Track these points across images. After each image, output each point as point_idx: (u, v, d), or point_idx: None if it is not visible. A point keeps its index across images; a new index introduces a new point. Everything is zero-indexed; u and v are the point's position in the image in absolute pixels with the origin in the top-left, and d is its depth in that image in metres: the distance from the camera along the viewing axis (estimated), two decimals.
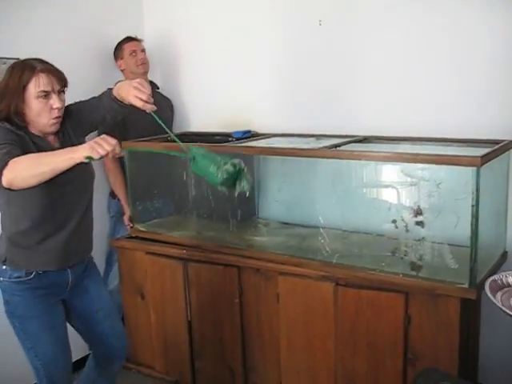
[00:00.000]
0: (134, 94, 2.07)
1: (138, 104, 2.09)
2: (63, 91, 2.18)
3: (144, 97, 2.08)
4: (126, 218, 3.54)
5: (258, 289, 2.88)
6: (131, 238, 3.39)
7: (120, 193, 3.55)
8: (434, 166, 2.45)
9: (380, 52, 3.08)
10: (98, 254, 3.68)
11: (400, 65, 3.02)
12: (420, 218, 2.83)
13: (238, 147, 3.00)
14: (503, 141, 2.66)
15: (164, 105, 3.72)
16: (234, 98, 3.63)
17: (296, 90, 3.39)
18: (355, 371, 2.67)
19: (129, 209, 3.48)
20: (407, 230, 2.85)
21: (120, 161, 3.45)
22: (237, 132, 3.37)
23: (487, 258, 2.58)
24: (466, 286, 2.37)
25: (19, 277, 2.21)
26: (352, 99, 3.21)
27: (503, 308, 1.62)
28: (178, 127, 3.86)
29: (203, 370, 3.15)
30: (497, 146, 2.51)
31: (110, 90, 2.29)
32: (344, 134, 3.15)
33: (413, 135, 2.97)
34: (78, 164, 1.84)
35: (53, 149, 2.10)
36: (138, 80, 2.14)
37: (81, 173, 2.19)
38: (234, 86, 3.62)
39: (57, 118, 2.16)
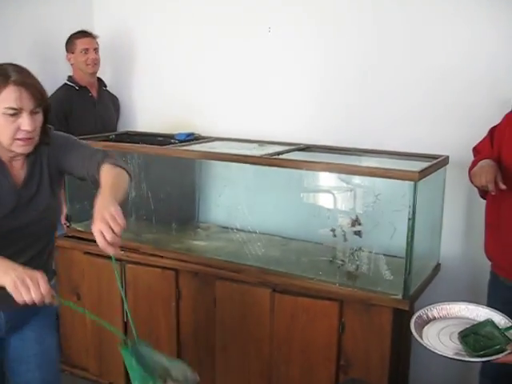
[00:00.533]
0: (98, 228, 1.57)
1: (99, 241, 1.58)
2: (38, 112, 1.78)
3: (109, 236, 1.56)
4: (62, 217, 3.46)
5: (196, 293, 2.88)
6: (68, 237, 3.33)
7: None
8: (373, 178, 2.51)
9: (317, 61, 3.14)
10: None
11: (350, 75, 3.09)
12: (358, 228, 2.89)
13: (179, 151, 2.99)
14: (441, 156, 2.74)
15: (110, 103, 3.68)
16: (180, 99, 3.62)
17: (243, 94, 3.41)
18: (289, 376, 2.70)
19: (65, 207, 3.40)
20: (345, 239, 2.91)
21: None
22: (180, 134, 3.36)
23: (421, 269, 2.65)
24: (400, 297, 2.44)
25: None
26: (294, 106, 3.26)
27: (429, 347, 1.67)
28: (124, 126, 3.82)
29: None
30: (434, 161, 2.59)
31: (103, 160, 1.94)
32: (287, 141, 3.18)
33: (354, 146, 3.03)
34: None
35: (15, 185, 1.86)
36: (113, 210, 1.59)
37: (34, 221, 1.90)
38: (181, 88, 3.61)
39: (25, 140, 1.77)
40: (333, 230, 2.96)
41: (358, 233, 2.91)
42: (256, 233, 2.98)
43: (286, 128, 3.28)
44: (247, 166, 2.83)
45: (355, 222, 2.93)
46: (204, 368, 2.92)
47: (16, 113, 1.71)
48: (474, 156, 2.44)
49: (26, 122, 1.72)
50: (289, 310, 2.64)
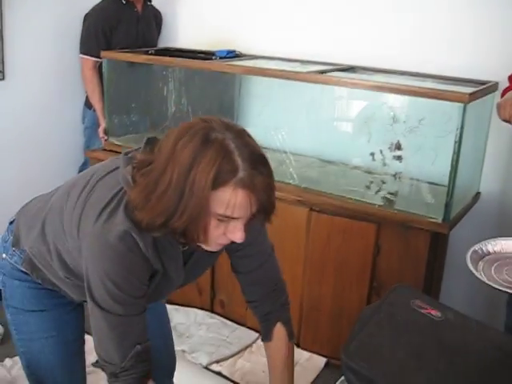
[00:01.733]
0: None
1: None
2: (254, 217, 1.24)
3: None
4: (101, 130, 3.47)
5: None
6: (105, 150, 3.34)
7: (97, 104, 3.47)
8: (418, 101, 2.45)
9: None
10: (72, 165, 3.65)
11: None
12: (399, 153, 2.85)
13: (221, 65, 2.94)
14: (490, 81, 2.65)
15: (152, 19, 3.62)
16: (222, 18, 3.53)
17: (284, 13, 3.31)
18: (321, 296, 2.72)
19: (104, 121, 3.41)
20: (384, 164, 2.88)
21: (99, 70, 3.36)
22: (221, 51, 3.29)
23: (461, 195, 2.61)
24: (440, 220, 2.41)
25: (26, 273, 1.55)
26: (338, 28, 3.16)
27: (488, 282, 1.63)
28: (164, 43, 3.76)
29: None
30: (483, 86, 2.50)
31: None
32: (329, 61, 3.11)
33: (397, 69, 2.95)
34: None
35: (177, 253, 1.38)
36: None
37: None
38: (223, 5, 3.52)
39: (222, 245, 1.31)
40: (372, 154, 2.93)
41: (398, 158, 2.88)
42: (294, 154, 2.95)
43: (328, 49, 3.19)
44: (290, 84, 2.78)
45: (396, 146, 2.89)
46: (237, 285, 2.95)
47: (228, 220, 1.21)
48: (510, 83, 2.34)
49: (237, 235, 1.22)
50: (325, 230, 2.64)
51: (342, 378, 1.16)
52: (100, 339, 1.30)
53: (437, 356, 1.04)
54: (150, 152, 1.28)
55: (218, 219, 1.19)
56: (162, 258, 1.31)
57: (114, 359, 1.28)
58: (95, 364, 1.33)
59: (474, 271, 1.56)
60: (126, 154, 1.34)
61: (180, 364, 2.23)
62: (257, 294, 1.63)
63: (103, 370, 1.33)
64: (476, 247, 1.74)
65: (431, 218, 2.43)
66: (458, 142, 2.26)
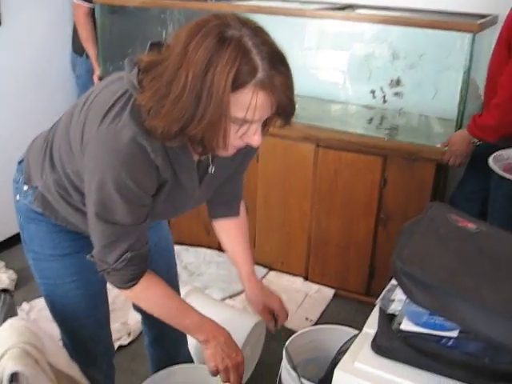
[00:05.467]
0: (214, 363, 1.48)
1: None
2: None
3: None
4: (95, 77, 3.44)
5: None
6: None
7: (91, 50, 3.39)
8: (418, 35, 2.48)
9: None
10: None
11: None
12: (399, 89, 2.90)
13: (222, 5, 2.93)
14: (488, 15, 2.68)
15: None
16: None
17: None
18: (329, 229, 2.80)
19: (99, 68, 3.37)
20: (385, 101, 2.93)
21: (92, 15, 3.31)
22: None
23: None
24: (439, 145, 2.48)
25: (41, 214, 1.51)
26: None
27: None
28: None
29: (178, 224, 3.23)
30: (487, 18, 2.54)
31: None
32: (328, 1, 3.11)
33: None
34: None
35: (191, 162, 1.32)
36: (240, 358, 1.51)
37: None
38: None
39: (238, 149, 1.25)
40: (372, 92, 2.98)
41: (397, 94, 2.93)
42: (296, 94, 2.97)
43: None
44: (288, 22, 2.78)
45: (396, 83, 2.93)
46: None
47: (246, 123, 1.14)
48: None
49: (255, 139, 1.17)
50: (332, 165, 2.70)
51: (389, 286, 1.23)
52: (95, 241, 1.31)
53: (482, 262, 1.11)
54: (157, 53, 1.18)
55: (237, 123, 1.12)
56: (174, 166, 1.26)
57: (107, 260, 1.31)
58: (88, 256, 1.35)
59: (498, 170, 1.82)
60: (130, 59, 1.23)
61: (196, 296, 2.32)
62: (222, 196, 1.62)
63: (95, 262, 1.35)
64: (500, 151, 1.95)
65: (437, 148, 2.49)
66: (467, 73, 2.30)
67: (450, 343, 1.09)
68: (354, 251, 2.79)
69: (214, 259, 3.13)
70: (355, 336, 1.89)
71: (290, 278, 2.98)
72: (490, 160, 1.91)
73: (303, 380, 1.81)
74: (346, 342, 1.85)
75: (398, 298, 1.19)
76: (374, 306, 2.80)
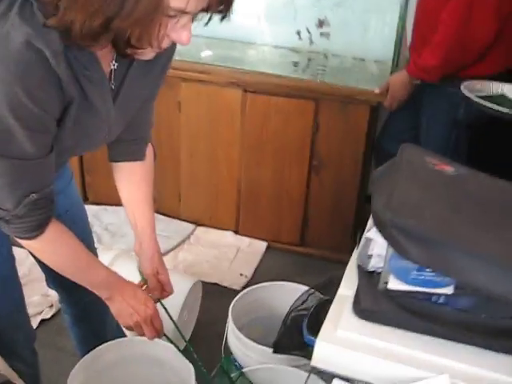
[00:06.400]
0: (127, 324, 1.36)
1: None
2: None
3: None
4: None
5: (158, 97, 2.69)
6: None
7: None
8: None
9: None
10: None
11: None
12: (326, 29, 2.75)
13: None
14: None
15: None
16: None
17: None
18: (260, 180, 2.66)
19: None
20: (311, 42, 2.78)
21: None
22: None
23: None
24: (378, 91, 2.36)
25: None
26: None
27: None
28: None
29: (94, 184, 2.98)
30: None
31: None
32: None
33: None
34: None
35: (101, 76, 1.08)
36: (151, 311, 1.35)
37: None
38: None
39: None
40: (298, 33, 2.81)
41: (324, 34, 2.78)
42: (215, 38, 2.76)
43: None
44: None
45: (322, 23, 2.78)
46: (168, 177, 2.82)
47: (178, 16, 0.94)
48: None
49: (184, 36, 0.96)
50: (261, 111, 2.53)
51: (363, 240, 1.09)
52: None
53: (472, 209, 0.99)
54: None
55: (168, 15, 0.91)
56: (81, 80, 1.01)
57: (5, 205, 1.08)
58: None
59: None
60: None
61: (125, 261, 2.12)
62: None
63: None
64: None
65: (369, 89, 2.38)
66: (404, 10, 2.18)
67: (442, 300, 0.97)
68: (286, 201, 2.67)
69: None
70: (306, 292, 1.78)
71: (219, 232, 2.83)
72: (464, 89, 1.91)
73: (250, 342, 1.68)
74: (296, 300, 1.73)
75: (376, 253, 1.06)
76: (310, 256, 2.72)
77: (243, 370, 1.52)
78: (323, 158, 2.55)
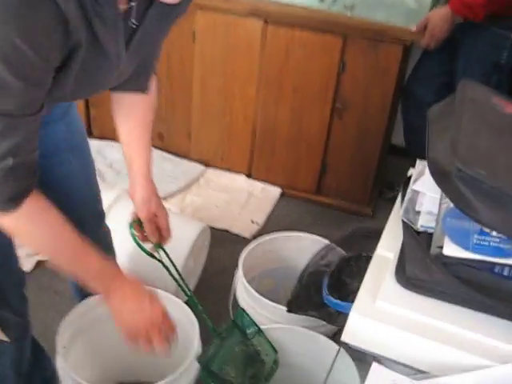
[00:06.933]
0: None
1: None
2: None
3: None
4: None
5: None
6: None
7: None
8: None
9: None
10: None
11: None
12: None
13: None
14: None
15: None
16: None
17: None
18: (277, 120, 2.46)
19: None
20: None
21: None
22: None
23: None
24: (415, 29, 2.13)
25: None
26: None
27: None
28: None
29: (100, 117, 2.79)
30: None
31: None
32: None
33: None
34: None
35: (116, 15, 0.89)
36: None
37: None
38: None
39: None
40: None
41: None
42: None
43: None
44: None
45: None
46: (179, 112, 2.63)
47: None
48: None
49: None
50: (283, 45, 2.31)
51: (409, 193, 0.90)
52: None
53: None
54: None
55: None
56: (91, 18, 0.84)
57: None
58: None
59: None
60: None
61: (127, 202, 1.94)
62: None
63: None
64: None
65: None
66: None
67: (506, 273, 0.79)
68: (304, 144, 2.47)
69: None
70: (326, 247, 1.61)
71: (231, 175, 2.64)
72: None
73: (262, 299, 1.52)
74: (315, 255, 1.57)
75: (425, 210, 0.88)
76: (326, 206, 2.54)
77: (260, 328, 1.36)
78: (347, 101, 2.34)
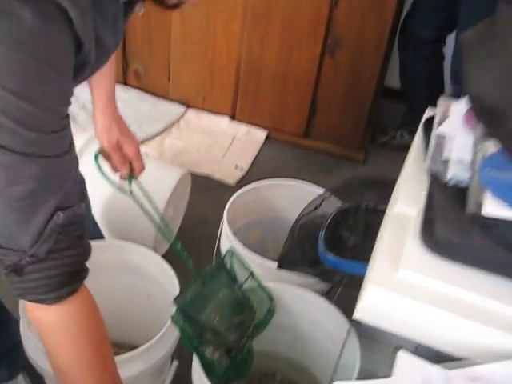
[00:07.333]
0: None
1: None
2: None
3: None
4: None
5: None
6: None
7: None
8: None
9: None
10: None
11: None
12: None
13: None
14: None
15: None
16: None
17: None
18: (263, 57, 2.28)
19: None
20: None
21: None
22: None
23: None
24: None
25: None
26: None
27: None
28: None
29: None
30: None
31: None
32: None
33: None
34: None
35: (118, 8, 0.80)
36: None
37: None
38: None
39: None
40: None
41: None
42: None
43: None
44: None
45: None
46: (156, 48, 2.43)
47: None
48: None
49: None
50: None
51: (434, 138, 0.75)
52: None
53: None
54: None
55: None
56: (97, 21, 0.73)
57: (18, 242, 0.69)
58: None
59: None
60: None
61: (96, 144, 1.78)
62: None
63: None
64: None
65: None
66: None
67: None
68: (292, 84, 2.31)
69: (119, 96, 2.52)
70: (320, 196, 1.46)
71: (213, 117, 2.48)
72: None
73: (250, 254, 1.38)
74: (308, 204, 1.42)
75: (455, 158, 0.72)
76: (315, 150, 2.39)
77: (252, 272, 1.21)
78: (340, 37, 2.16)
